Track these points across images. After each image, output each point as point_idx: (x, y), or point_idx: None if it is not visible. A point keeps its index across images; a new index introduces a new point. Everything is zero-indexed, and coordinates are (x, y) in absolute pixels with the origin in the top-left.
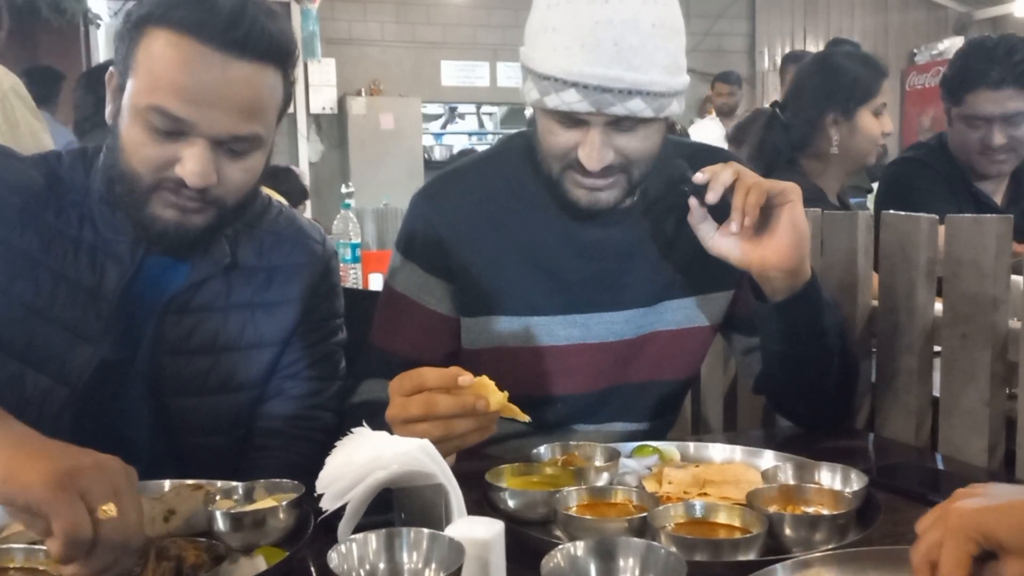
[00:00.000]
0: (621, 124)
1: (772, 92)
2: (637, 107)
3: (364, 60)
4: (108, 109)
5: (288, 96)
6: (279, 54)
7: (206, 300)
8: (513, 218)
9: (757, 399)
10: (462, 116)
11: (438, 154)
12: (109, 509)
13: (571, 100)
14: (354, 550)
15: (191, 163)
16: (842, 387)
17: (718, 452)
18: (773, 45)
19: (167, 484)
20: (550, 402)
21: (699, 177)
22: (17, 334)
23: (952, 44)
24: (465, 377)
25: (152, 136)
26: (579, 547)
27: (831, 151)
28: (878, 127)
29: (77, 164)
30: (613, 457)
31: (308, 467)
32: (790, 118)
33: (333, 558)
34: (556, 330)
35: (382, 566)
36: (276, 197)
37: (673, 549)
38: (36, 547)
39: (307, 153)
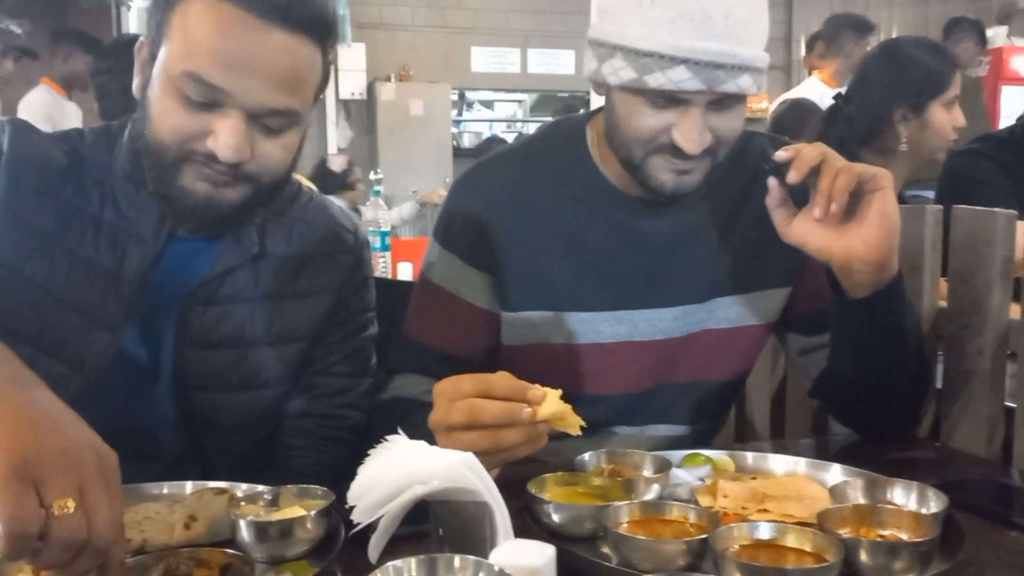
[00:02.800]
0: (720, 103)
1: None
2: (746, 84)
3: (394, 45)
4: (136, 82)
5: (326, 75)
6: (320, 27)
7: (233, 290)
8: (558, 208)
9: (807, 403)
10: (470, 105)
11: (467, 141)
12: (65, 505)
13: (680, 78)
14: None
15: (225, 135)
16: (912, 393)
17: (777, 463)
18: (810, 34)
19: (189, 486)
20: (591, 402)
21: (781, 155)
22: (30, 316)
23: (996, 34)
24: (535, 392)
25: (184, 106)
26: None
27: (900, 148)
28: (950, 121)
29: (100, 142)
30: (664, 467)
31: (337, 468)
32: (854, 111)
33: None
34: (602, 327)
35: None
36: (306, 183)
37: None
38: None
39: (336, 139)
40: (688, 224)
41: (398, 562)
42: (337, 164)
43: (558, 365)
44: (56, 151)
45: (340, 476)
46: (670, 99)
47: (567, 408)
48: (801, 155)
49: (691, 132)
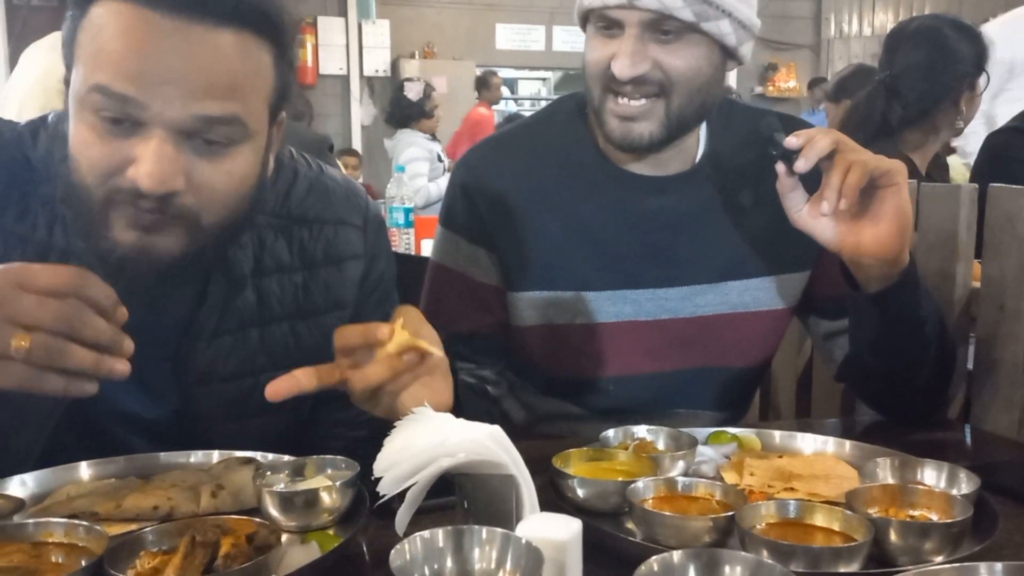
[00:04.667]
0: (659, 32)
1: (837, 61)
2: (672, 3)
3: (419, 21)
4: (51, 116)
5: (284, 78)
6: (257, 18)
7: (235, 321)
8: (559, 187)
9: (834, 385)
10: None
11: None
12: (18, 348)
13: None
14: (419, 547)
15: (146, 161)
16: (937, 378)
17: (806, 442)
18: (840, 12)
19: (216, 456)
20: (602, 384)
21: (791, 141)
22: None
23: None
24: (382, 330)
25: (99, 132)
26: (677, 556)
27: (956, 126)
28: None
29: (53, 150)
30: (689, 444)
31: (369, 459)
32: (910, 92)
33: (395, 558)
34: (605, 306)
35: (450, 566)
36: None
37: (787, 568)
38: (76, 521)
39: (359, 116)
40: (695, 203)
41: (425, 533)
42: (414, 92)
43: (563, 346)
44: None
45: (369, 457)
46: (609, 24)
47: (407, 335)
48: (812, 143)
49: (623, 54)
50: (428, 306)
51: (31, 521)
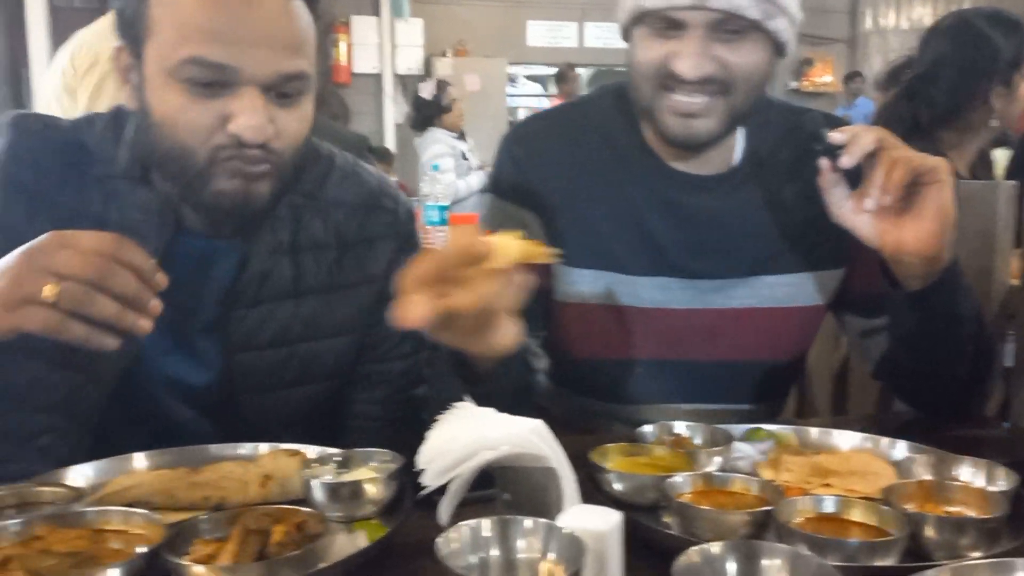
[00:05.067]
0: (723, 31)
1: (874, 55)
2: (742, 3)
3: (451, 20)
4: (125, 92)
5: (320, 39)
6: None
7: (272, 290)
8: (604, 169)
9: (871, 382)
10: (514, 80)
11: (522, 116)
12: (48, 293)
13: None
14: (464, 536)
15: (245, 116)
16: (975, 375)
17: (843, 439)
18: (877, 5)
19: (264, 447)
20: (630, 368)
21: (836, 136)
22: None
23: None
24: (483, 243)
25: (193, 97)
26: (716, 547)
27: (990, 123)
28: None
29: (108, 131)
30: (726, 440)
31: (405, 443)
32: (938, 90)
33: (442, 546)
34: (640, 291)
35: (495, 554)
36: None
37: (827, 563)
38: (133, 510)
39: (392, 114)
40: (733, 201)
41: (471, 521)
42: (426, 91)
43: (593, 325)
44: (56, 154)
45: (408, 449)
46: (669, 25)
47: (525, 245)
48: (856, 139)
49: (688, 56)
50: None
51: (91, 509)
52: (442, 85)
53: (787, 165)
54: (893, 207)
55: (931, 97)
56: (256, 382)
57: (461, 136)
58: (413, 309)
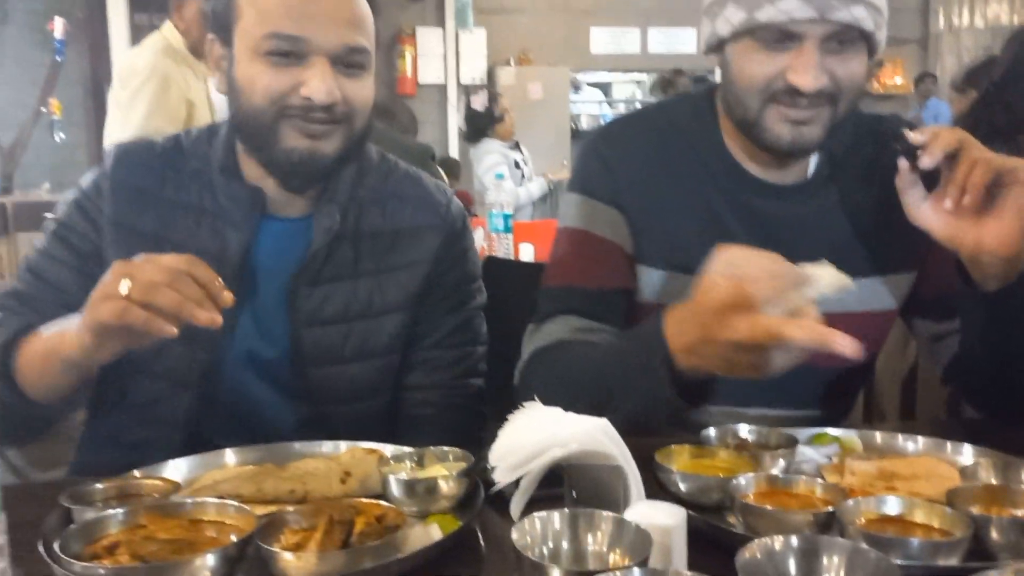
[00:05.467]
0: (834, 44)
1: (947, 55)
2: (861, 15)
3: (514, 29)
4: (216, 80)
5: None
6: None
7: (334, 270)
8: (686, 172)
9: (939, 387)
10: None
11: (585, 124)
12: (123, 286)
13: (790, 7)
14: (537, 527)
15: (315, 80)
16: None
17: (908, 444)
18: (950, 4)
19: (344, 446)
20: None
21: (916, 137)
22: None
23: None
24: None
25: (271, 66)
26: (778, 541)
27: None
28: None
29: (203, 135)
30: (790, 443)
31: (462, 434)
32: (1015, 100)
33: (516, 534)
34: None
35: (565, 546)
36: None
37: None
38: (227, 501)
39: (456, 123)
40: (812, 207)
41: (543, 513)
42: (478, 102)
43: None
44: (156, 160)
45: (466, 441)
46: (782, 38)
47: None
48: (937, 139)
49: (806, 69)
50: (555, 266)
51: (189, 500)
52: (493, 96)
53: (862, 171)
54: (972, 207)
55: (1011, 102)
56: (319, 356)
57: (516, 146)
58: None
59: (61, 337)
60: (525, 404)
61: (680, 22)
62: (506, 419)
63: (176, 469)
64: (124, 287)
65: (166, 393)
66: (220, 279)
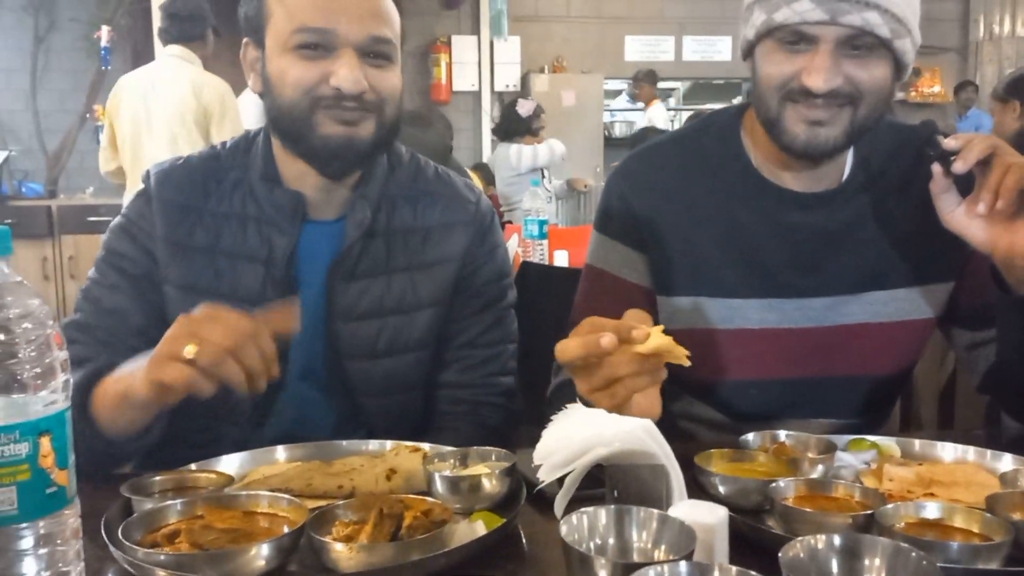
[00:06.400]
0: (851, 47)
1: (987, 64)
2: (873, 20)
3: (548, 37)
4: (251, 81)
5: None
6: None
7: (368, 266)
8: (711, 199)
9: (978, 397)
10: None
11: (618, 131)
12: (188, 351)
13: (803, 9)
14: (584, 523)
15: (343, 70)
16: None
17: (946, 451)
18: (991, 12)
19: (389, 444)
20: (743, 388)
21: (950, 143)
22: None
23: None
24: (639, 331)
25: (301, 60)
26: (820, 540)
27: None
28: None
29: (239, 144)
30: (829, 449)
31: (495, 430)
32: None
33: (564, 528)
34: (750, 313)
35: (611, 541)
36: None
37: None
38: (279, 495)
39: (491, 129)
40: (842, 218)
41: (589, 509)
42: (525, 109)
43: (706, 349)
44: (196, 170)
45: (499, 438)
46: (799, 39)
47: (669, 340)
48: (970, 145)
49: (819, 69)
50: (581, 304)
51: (243, 493)
52: (538, 110)
53: (897, 179)
54: (1006, 211)
55: None
56: (355, 350)
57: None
58: (567, 351)
59: (131, 380)
60: (567, 406)
61: (714, 31)
62: (539, 418)
63: (229, 464)
64: (190, 351)
65: (227, 399)
66: (273, 347)
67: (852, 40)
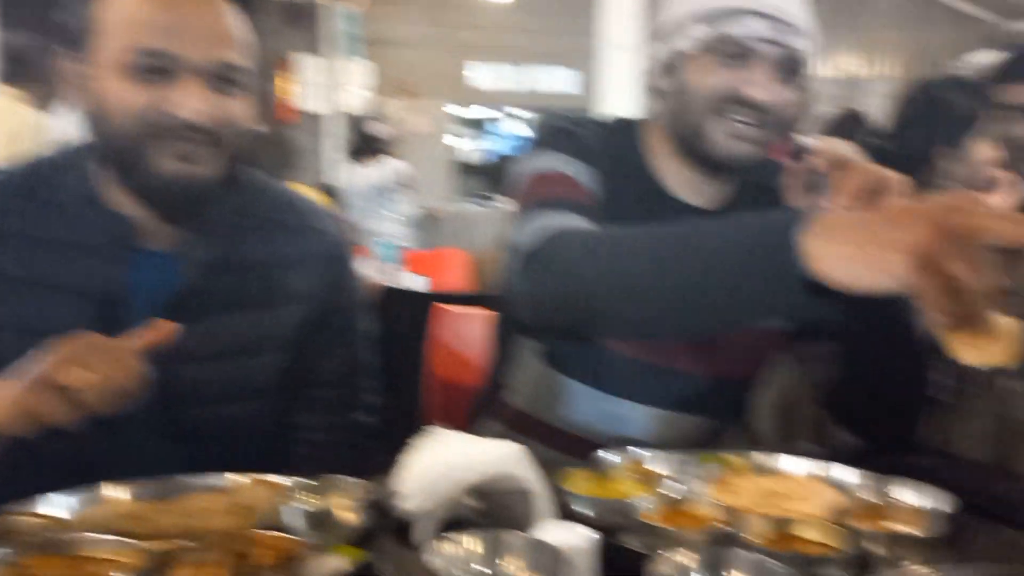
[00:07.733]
0: (782, 70)
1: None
2: (806, 47)
3: (398, 62)
4: (71, 96)
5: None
6: None
7: (209, 302)
8: (609, 204)
9: (813, 411)
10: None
11: (477, 159)
12: (78, 380)
13: (754, 26)
14: (449, 550)
15: (186, 100)
16: (912, 399)
17: (788, 464)
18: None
19: (240, 479)
20: (613, 361)
21: (805, 140)
22: (14, 356)
23: None
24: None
25: (137, 83)
26: (686, 557)
27: (943, 183)
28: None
29: (61, 160)
30: (680, 463)
31: (348, 470)
32: (895, 150)
33: (428, 556)
34: None
35: (480, 568)
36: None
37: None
38: (115, 537)
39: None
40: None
41: (454, 535)
42: (377, 129)
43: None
44: (8, 192)
45: (351, 475)
46: (739, 55)
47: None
48: (831, 147)
49: (762, 84)
50: (529, 191)
51: (74, 536)
52: (386, 131)
53: (774, 191)
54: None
55: (888, 154)
56: (192, 395)
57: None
58: None
59: None
60: (427, 428)
61: (561, 63)
62: (401, 447)
63: (58, 504)
64: (80, 380)
65: (52, 434)
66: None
67: (785, 63)
